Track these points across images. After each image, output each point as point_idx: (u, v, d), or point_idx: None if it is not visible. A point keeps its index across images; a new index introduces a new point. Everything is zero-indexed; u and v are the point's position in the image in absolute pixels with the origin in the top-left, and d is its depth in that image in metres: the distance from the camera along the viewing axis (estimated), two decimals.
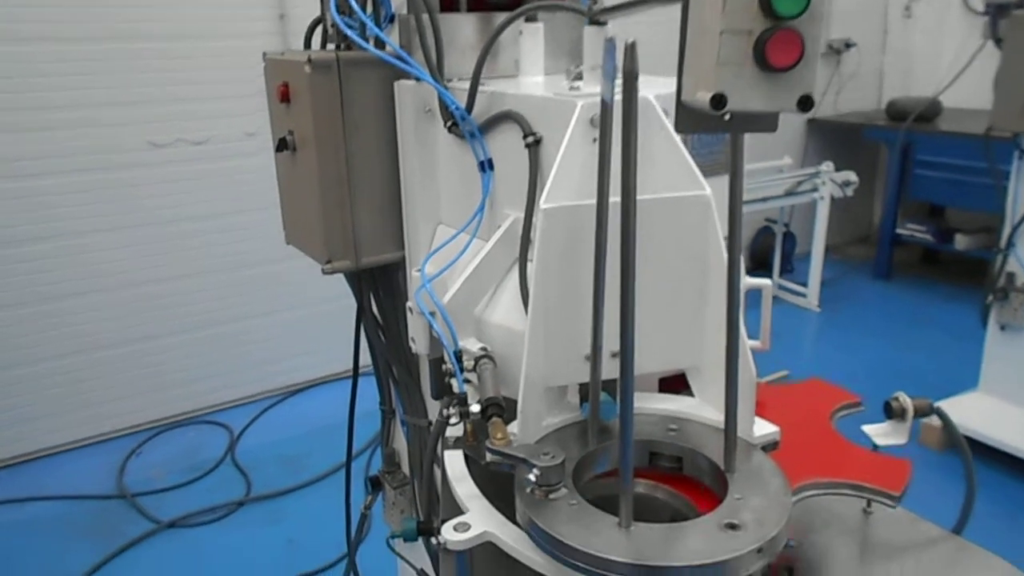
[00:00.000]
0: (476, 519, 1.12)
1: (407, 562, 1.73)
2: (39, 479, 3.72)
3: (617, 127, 0.99)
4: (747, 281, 1.53)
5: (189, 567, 3.06)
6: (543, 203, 1.13)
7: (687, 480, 1.19)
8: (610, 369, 1.22)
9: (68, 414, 3.96)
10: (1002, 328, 3.52)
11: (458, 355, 1.35)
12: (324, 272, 1.69)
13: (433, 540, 1.13)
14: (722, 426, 1.21)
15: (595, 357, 1.14)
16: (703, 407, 1.26)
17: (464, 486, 1.21)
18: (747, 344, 1.16)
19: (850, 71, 6.46)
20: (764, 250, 6.11)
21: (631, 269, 0.97)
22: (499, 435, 1.11)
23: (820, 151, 6.19)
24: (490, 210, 1.47)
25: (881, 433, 1.42)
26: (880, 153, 6.60)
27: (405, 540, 1.40)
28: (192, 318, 4.18)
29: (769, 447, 1.19)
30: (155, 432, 4.11)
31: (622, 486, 0.99)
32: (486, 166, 1.45)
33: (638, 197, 1.15)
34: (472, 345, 1.37)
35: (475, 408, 1.19)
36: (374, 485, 2.14)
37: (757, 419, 1.21)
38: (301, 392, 4.47)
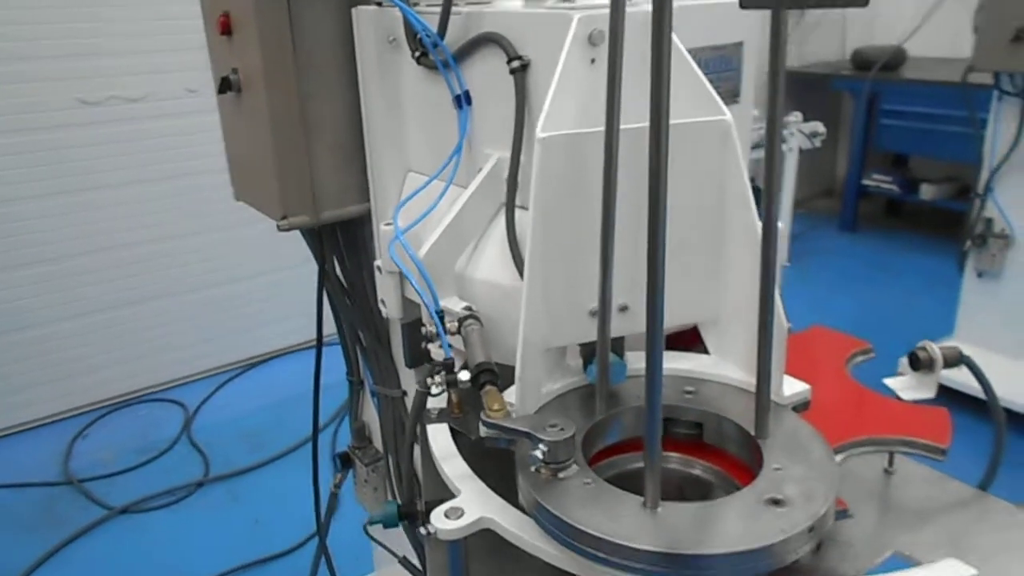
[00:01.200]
0: (470, 503, 0.96)
1: (386, 548, 1.57)
2: None
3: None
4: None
5: (145, 554, 2.86)
6: (540, 132, 0.95)
7: (709, 449, 1.05)
8: (618, 325, 1.06)
9: (3, 398, 3.68)
10: (979, 275, 3.46)
11: (440, 315, 1.18)
12: (280, 229, 1.50)
13: (421, 529, 0.97)
14: (745, 386, 1.07)
15: (604, 311, 0.98)
16: (722, 364, 1.11)
17: (453, 465, 1.04)
18: (775, 287, 1.01)
19: (814, 20, 6.34)
20: None
21: (662, 205, 0.80)
22: (496, 406, 0.95)
23: (785, 103, 6.07)
24: (468, 152, 1.29)
25: (906, 386, 1.30)
26: (844, 103, 6.52)
27: (385, 526, 1.24)
28: (138, 290, 3.91)
29: (800, 407, 1.05)
30: (102, 413, 3.86)
31: (648, 459, 0.83)
32: (463, 100, 1.27)
33: (643, 124, 0.99)
34: (455, 305, 1.20)
35: (464, 376, 1.03)
36: (344, 462, 1.97)
37: (786, 377, 1.07)
38: (261, 364, 4.25)
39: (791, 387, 1.05)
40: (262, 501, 3.11)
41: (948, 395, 1.42)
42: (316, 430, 1.87)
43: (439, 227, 1.21)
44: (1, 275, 3.56)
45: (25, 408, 3.73)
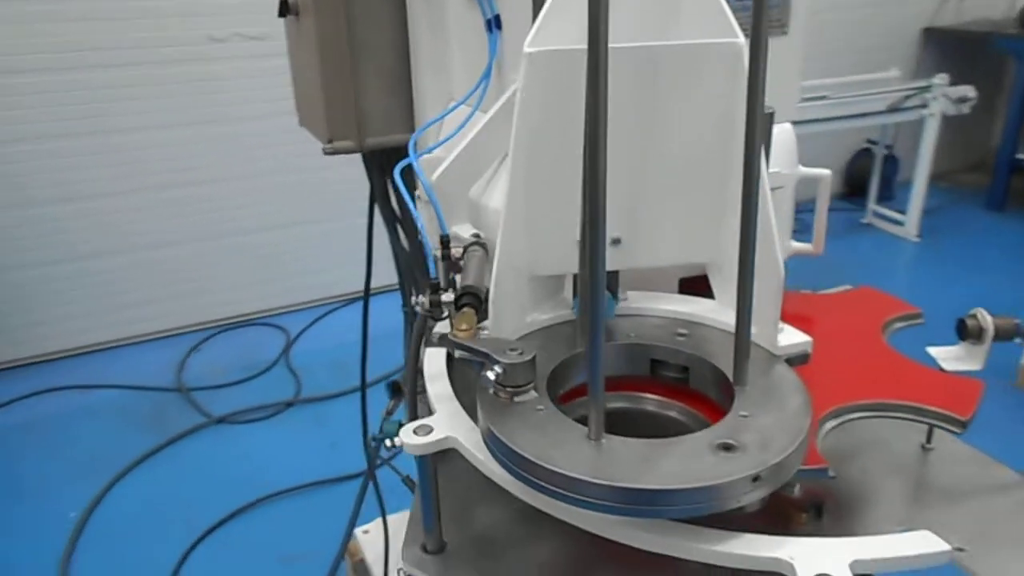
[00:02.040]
0: (440, 423, 0.97)
1: (392, 468, 1.62)
2: (106, 369, 3.84)
3: None
4: (800, 170, 1.28)
5: (234, 460, 3.09)
6: (527, 46, 0.92)
7: (694, 395, 1.00)
8: (610, 259, 1.02)
9: (135, 308, 4.05)
10: None
11: (446, 240, 1.18)
12: (325, 152, 1.54)
13: (387, 442, 0.98)
14: None
15: (590, 241, 0.95)
16: (723, 311, 1.05)
17: (437, 386, 1.05)
18: (772, 233, 0.93)
19: None
20: (861, 174, 5.60)
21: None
22: (464, 326, 0.94)
23: (936, 64, 5.53)
24: (497, 78, 1.27)
25: (950, 356, 1.18)
26: (1007, 67, 5.87)
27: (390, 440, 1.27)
28: (256, 220, 4.16)
29: (797, 360, 0.98)
30: (217, 331, 4.17)
31: (592, 390, 0.81)
32: (493, 25, 1.24)
33: (652, 43, 0.93)
34: (465, 231, 1.20)
35: (447, 297, 1.03)
36: (395, 391, 2.03)
37: (786, 327, 0.99)
38: (359, 300, 4.42)
39: (789, 338, 0.98)
40: (341, 426, 3.26)
41: None
42: (365, 358, 1.93)
43: (454, 151, 1.20)
44: (136, 196, 3.88)
45: (152, 320, 4.09)
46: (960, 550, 1.01)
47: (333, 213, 4.28)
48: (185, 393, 3.58)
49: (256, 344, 4.04)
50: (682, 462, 0.78)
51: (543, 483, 0.79)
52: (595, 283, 0.77)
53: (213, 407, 3.46)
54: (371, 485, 2.10)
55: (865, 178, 5.45)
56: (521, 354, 0.89)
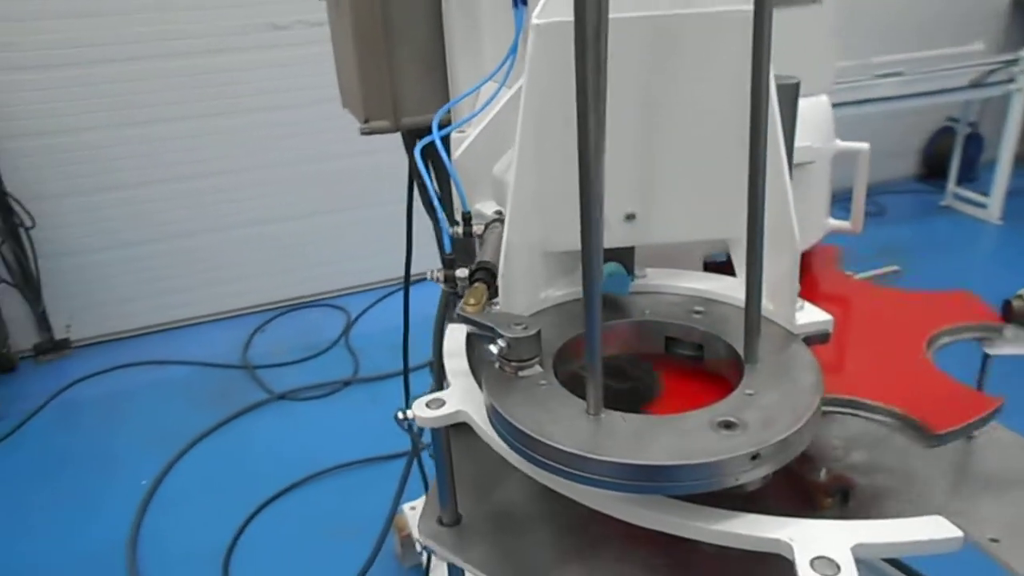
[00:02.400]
0: (453, 396, 0.98)
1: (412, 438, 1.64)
2: (179, 345, 4.02)
3: None
4: (836, 144, 1.23)
5: (292, 436, 3.20)
6: (535, 17, 0.91)
7: (709, 373, 0.98)
8: (624, 235, 1.01)
9: (208, 288, 4.22)
10: None
11: (467, 217, 1.19)
12: (362, 132, 1.57)
13: (399, 415, 1.00)
14: (763, 311, 0.98)
15: (584, 216, 0.94)
16: (743, 289, 1.02)
17: (454, 361, 1.06)
18: (788, 207, 0.90)
19: None
20: (942, 154, 5.33)
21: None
22: (472, 300, 0.95)
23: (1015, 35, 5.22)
24: (523, 54, 1.26)
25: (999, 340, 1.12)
26: None
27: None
28: (318, 203, 4.27)
29: (816, 339, 0.95)
30: (282, 311, 4.31)
31: (589, 363, 0.80)
32: (518, 0, 1.23)
33: (664, 12, 0.91)
34: (488, 208, 1.20)
35: (462, 272, 1.04)
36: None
37: (806, 304, 0.96)
38: (421, 283, 4.49)
39: (809, 316, 0.95)
40: (396, 405, 3.30)
41: None
42: (406, 338, 1.97)
43: (477, 128, 1.20)
44: (204, 182, 4.03)
45: (225, 299, 4.25)
46: (994, 540, 0.96)
47: (395, 196, 4.32)
48: (250, 370, 3.71)
49: (318, 325, 4.16)
50: (680, 438, 0.77)
51: (540, 457, 0.79)
52: (590, 258, 0.76)
53: (275, 384, 3.57)
54: (415, 463, 2.15)
55: (945, 159, 5.19)
56: (526, 328, 0.89)
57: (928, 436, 0.95)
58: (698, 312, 1.00)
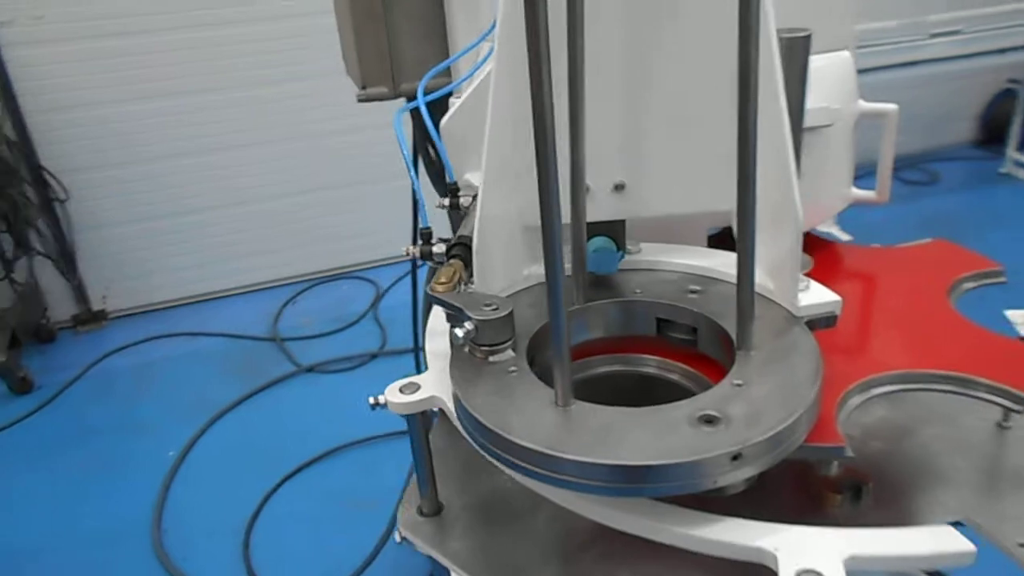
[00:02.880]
0: (429, 381, 0.92)
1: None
2: (211, 317, 4.05)
3: None
4: (860, 105, 1.12)
5: (318, 407, 3.19)
6: None
7: (703, 359, 0.90)
8: (613, 207, 0.93)
9: (239, 260, 4.23)
10: None
11: (454, 188, 1.11)
12: (359, 100, 1.50)
13: (371, 400, 0.94)
14: (761, 290, 0.89)
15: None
16: None
17: (435, 342, 1.00)
18: (791, 175, 0.81)
19: None
20: (1001, 118, 5.03)
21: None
22: (443, 279, 0.88)
23: None
24: None
25: None
26: None
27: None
28: (349, 175, 4.23)
29: (822, 322, 0.85)
30: (312, 284, 4.30)
31: (555, 349, 0.72)
32: None
33: None
34: (478, 179, 1.12)
35: (439, 248, 0.97)
36: None
37: (812, 284, 0.87)
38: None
39: (815, 297, 0.85)
40: None
41: None
42: (416, 315, 1.91)
43: (462, 96, 1.12)
44: (234, 154, 4.02)
45: (256, 271, 4.27)
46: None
47: None
48: (279, 343, 3.72)
49: (347, 297, 4.14)
50: (654, 435, 0.69)
51: (498, 451, 0.72)
52: (551, 235, 0.68)
53: (304, 356, 3.57)
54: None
55: (1005, 123, 4.90)
56: (496, 310, 0.82)
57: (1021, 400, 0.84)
58: (694, 292, 0.92)
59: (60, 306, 4.02)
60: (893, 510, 0.98)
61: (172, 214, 4.07)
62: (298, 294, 4.22)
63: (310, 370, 3.48)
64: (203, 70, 3.85)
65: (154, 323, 4.03)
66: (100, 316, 4.07)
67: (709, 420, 0.70)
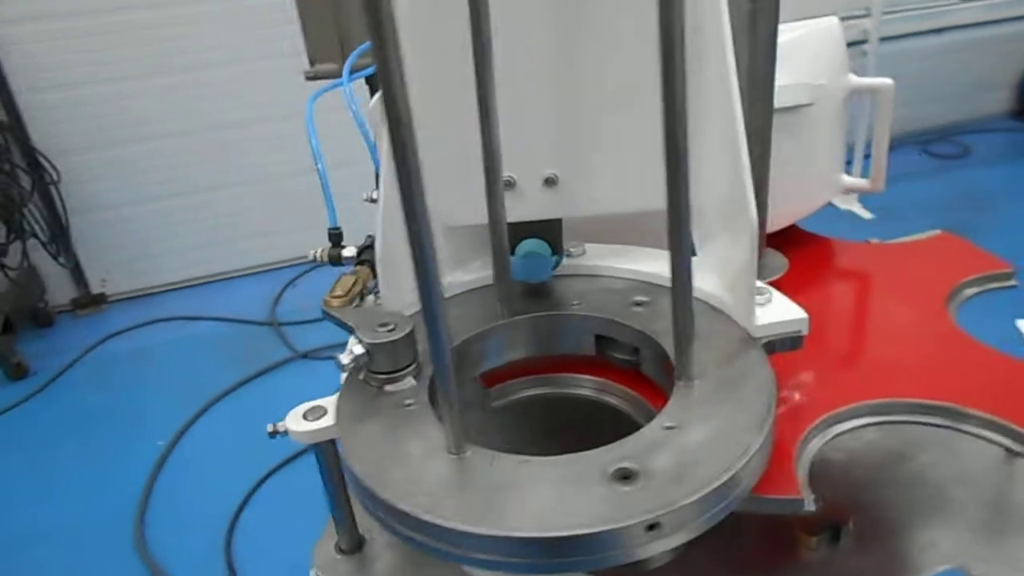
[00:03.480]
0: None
1: None
2: (211, 300, 3.97)
3: None
4: (851, 80, 0.96)
5: (310, 396, 3.09)
6: None
7: (646, 380, 0.76)
8: (544, 204, 0.79)
9: (239, 243, 4.15)
10: None
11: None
12: (307, 77, 1.37)
13: (269, 428, 0.82)
14: (716, 302, 0.75)
15: (492, 185, 0.72)
16: (701, 271, 0.79)
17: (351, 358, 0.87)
18: (743, 172, 0.67)
19: None
20: None
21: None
22: (339, 291, 0.76)
23: None
24: None
25: None
26: None
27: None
28: (349, 155, 4.09)
29: (786, 343, 0.71)
30: (313, 266, 4.20)
31: (442, 388, 0.59)
32: None
33: None
34: None
35: (348, 252, 0.84)
36: None
37: (776, 297, 0.73)
38: None
39: (776, 313, 0.71)
40: None
41: None
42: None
43: None
44: (232, 132, 3.91)
45: (252, 255, 4.18)
46: None
47: None
48: (276, 327, 3.63)
49: None
50: (558, 495, 0.56)
51: (372, 509, 0.60)
52: (419, 241, 0.55)
53: (301, 342, 3.48)
54: None
55: None
56: (392, 331, 0.69)
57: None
58: (639, 304, 0.78)
59: (60, 290, 3.97)
60: (877, 555, 0.85)
61: (171, 195, 3.98)
62: (298, 277, 4.11)
63: (305, 356, 3.38)
64: (200, 45, 3.73)
65: (154, 306, 3.97)
66: (100, 299, 4.01)
67: (626, 476, 0.57)
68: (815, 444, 0.69)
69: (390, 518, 0.58)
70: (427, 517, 0.55)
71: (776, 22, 0.77)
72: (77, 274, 3.93)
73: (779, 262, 0.90)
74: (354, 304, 0.75)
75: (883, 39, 3.60)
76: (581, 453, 0.60)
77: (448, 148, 0.76)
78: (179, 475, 2.79)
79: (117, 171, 3.84)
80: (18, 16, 3.46)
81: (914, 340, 0.82)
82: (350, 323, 0.71)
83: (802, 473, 0.67)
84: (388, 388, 0.69)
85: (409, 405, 0.67)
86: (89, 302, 3.98)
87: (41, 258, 3.85)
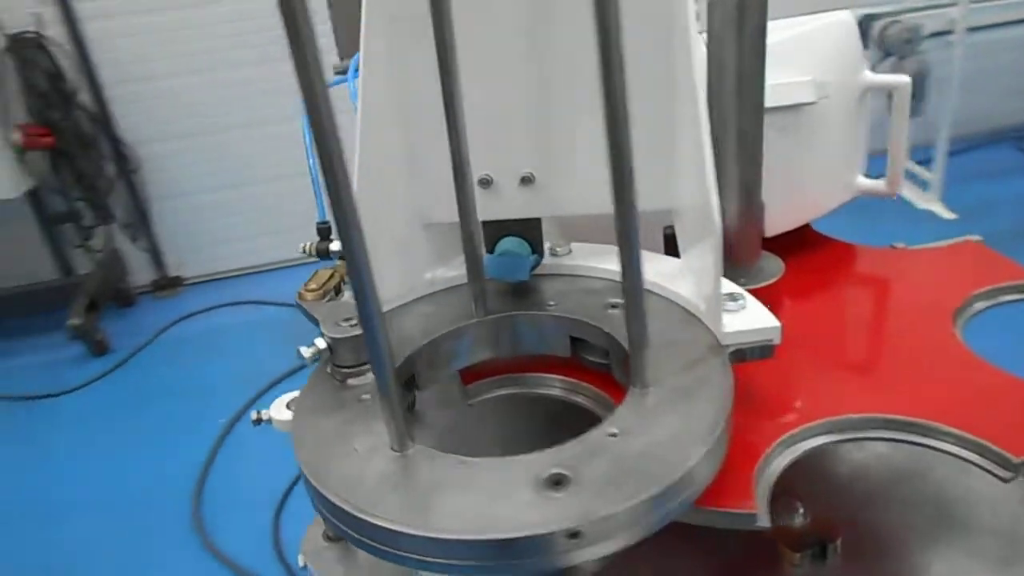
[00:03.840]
0: None
1: None
2: (279, 285, 4.05)
3: None
4: (867, 77, 0.91)
5: None
6: None
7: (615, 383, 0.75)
8: (522, 203, 0.79)
9: (309, 229, 4.25)
10: None
11: None
12: (335, 72, 1.39)
13: (253, 415, 0.85)
14: (691, 307, 0.74)
15: (460, 183, 0.72)
16: (683, 274, 0.77)
17: None
18: (706, 173, 0.64)
19: None
20: None
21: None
22: (313, 284, 0.77)
23: None
24: None
25: None
26: None
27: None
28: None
29: (756, 351, 0.68)
30: None
31: (378, 377, 0.60)
32: None
33: None
34: None
35: (335, 246, 0.86)
36: None
37: (751, 304, 0.70)
38: None
39: (747, 321, 0.68)
40: None
41: None
42: None
43: None
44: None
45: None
46: None
47: None
48: None
49: None
50: (488, 498, 0.56)
51: (316, 503, 0.61)
52: (349, 238, 0.55)
53: None
54: None
55: None
56: (355, 325, 0.70)
57: (1009, 464, 0.66)
58: (615, 306, 0.76)
59: (141, 272, 4.19)
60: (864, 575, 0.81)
61: (244, 183, 4.13)
62: None
63: None
64: (272, 40, 3.85)
65: (225, 290, 4.14)
66: (176, 282, 4.21)
67: (558, 482, 0.56)
68: (781, 460, 0.67)
69: (329, 512, 0.59)
70: (361, 515, 0.56)
71: (764, 17, 0.73)
72: (156, 257, 4.14)
73: (775, 266, 0.86)
74: (327, 298, 0.77)
75: (972, 29, 3.39)
76: (520, 456, 0.59)
77: (425, 146, 0.76)
78: (236, 452, 2.90)
79: (193, 160, 4.02)
80: (102, 13, 3.65)
81: (905, 353, 0.77)
82: (316, 316, 0.72)
83: (762, 487, 0.64)
84: (350, 382, 0.70)
85: (366, 399, 0.68)
86: (167, 284, 4.18)
87: (123, 242, 4.07)
